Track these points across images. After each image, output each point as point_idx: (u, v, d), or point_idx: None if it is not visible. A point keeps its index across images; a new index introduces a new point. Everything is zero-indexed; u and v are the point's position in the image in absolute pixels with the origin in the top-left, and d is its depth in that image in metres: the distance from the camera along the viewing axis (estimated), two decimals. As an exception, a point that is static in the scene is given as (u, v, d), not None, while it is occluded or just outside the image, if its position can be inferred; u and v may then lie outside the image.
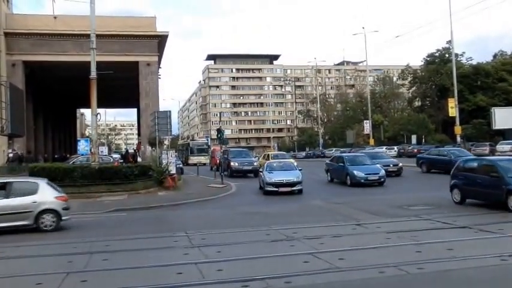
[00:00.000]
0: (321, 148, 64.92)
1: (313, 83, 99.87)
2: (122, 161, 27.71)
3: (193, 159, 41.44)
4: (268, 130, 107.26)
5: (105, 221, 12.18)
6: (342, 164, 19.88)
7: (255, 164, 25.60)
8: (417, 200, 13.67)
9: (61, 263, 7.21)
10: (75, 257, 7.64)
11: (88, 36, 18.88)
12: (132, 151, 28.53)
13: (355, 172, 18.73)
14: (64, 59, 28.44)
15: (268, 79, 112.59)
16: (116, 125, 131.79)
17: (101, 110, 21.89)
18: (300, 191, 16.64)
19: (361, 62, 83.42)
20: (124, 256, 7.76)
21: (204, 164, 37.97)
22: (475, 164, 12.95)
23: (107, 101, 38.09)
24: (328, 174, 21.36)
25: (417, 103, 69.36)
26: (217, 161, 28.08)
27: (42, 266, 7.21)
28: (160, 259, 7.26)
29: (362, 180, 18.41)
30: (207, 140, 64.14)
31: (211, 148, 33.39)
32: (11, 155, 24.74)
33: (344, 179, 19.33)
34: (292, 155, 56.15)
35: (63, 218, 10.66)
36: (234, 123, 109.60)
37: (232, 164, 25.23)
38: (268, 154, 29.59)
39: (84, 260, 7.38)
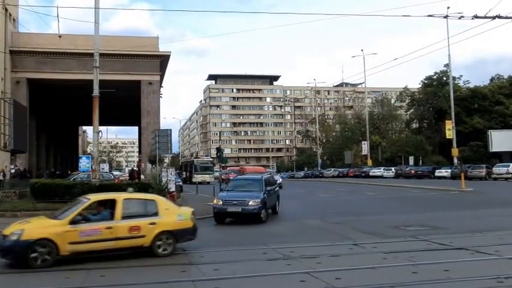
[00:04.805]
0: (319, 168, 65.11)
1: (312, 103, 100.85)
2: (128, 177, 27.68)
3: (198, 178, 40.36)
4: (267, 150, 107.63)
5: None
6: None
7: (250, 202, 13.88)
8: None
9: (58, 279, 7.21)
10: (72, 273, 7.64)
11: (92, 55, 19.22)
12: (136, 169, 28.79)
13: None
14: (68, 77, 28.85)
15: (268, 99, 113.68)
16: (117, 143, 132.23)
17: (102, 128, 22.08)
18: None
19: (360, 83, 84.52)
20: (121, 273, 7.77)
21: (208, 183, 37.31)
22: None
23: (109, 118, 38.48)
24: None
25: (415, 125, 69.90)
26: None
27: (38, 281, 7.19)
28: (158, 277, 7.29)
29: None
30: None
31: (239, 167, 30.33)
32: (13, 170, 24.87)
33: None
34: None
35: None
36: (233, 142, 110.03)
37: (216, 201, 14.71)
38: None
39: (82, 276, 7.39)
